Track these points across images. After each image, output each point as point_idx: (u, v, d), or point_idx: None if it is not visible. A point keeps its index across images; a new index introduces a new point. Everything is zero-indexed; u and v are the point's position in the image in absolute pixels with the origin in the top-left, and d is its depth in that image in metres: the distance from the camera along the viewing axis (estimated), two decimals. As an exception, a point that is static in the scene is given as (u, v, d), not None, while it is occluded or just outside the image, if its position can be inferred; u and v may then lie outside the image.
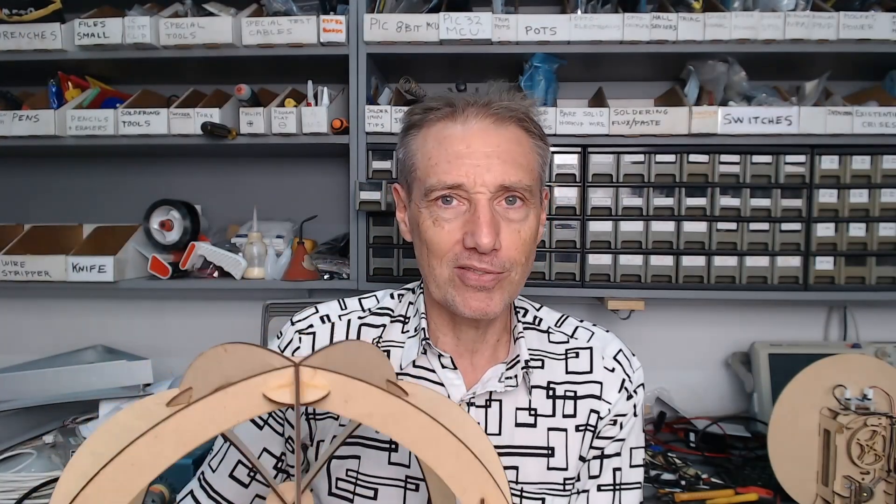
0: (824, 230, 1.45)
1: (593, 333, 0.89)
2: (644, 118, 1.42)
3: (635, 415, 0.86)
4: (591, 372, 0.85)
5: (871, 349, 1.60)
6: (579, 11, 1.45)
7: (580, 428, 0.83)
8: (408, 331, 0.85)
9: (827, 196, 1.45)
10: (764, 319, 1.74)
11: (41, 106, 1.57)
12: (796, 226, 1.45)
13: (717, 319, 1.76)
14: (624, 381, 0.86)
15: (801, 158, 1.44)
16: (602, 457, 0.84)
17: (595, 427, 0.84)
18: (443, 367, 0.82)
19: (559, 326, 0.89)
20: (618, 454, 0.85)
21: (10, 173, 1.82)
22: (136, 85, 1.66)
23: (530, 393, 0.83)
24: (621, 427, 0.85)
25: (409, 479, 0.80)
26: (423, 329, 0.83)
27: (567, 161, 1.46)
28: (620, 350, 0.88)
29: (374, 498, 0.80)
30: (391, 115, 1.44)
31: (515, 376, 0.82)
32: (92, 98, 1.57)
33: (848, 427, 1.15)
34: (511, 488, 0.79)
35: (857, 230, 1.45)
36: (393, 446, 0.80)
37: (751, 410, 1.62)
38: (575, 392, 0.84)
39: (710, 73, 1.48)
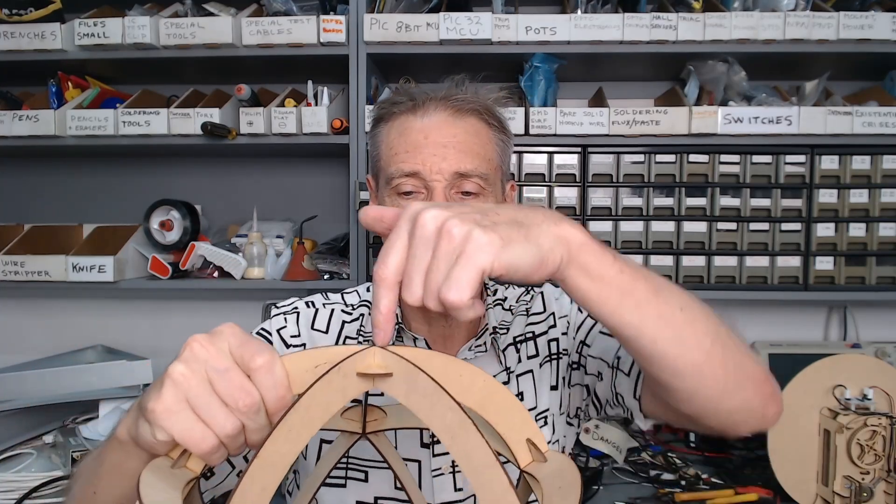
0: (824, 230, 1.45)
1: (544, 284, 0.94)
2: (644, 118, 1.42)
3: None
4: (544, 311, 0.90)
5: (871, 349, 1.60)
6: (579, 11, 1.45)
7: (544, 362, 0.87)
8: None
9: (827, 196, 1.45)
10: (764, 319, 1.74)
11: (41, 106, 1.57)
12: (796, 226, 1.45)
13: (717, 319, 1.75)
14: (569, 307, 0.90)
15: (801, 158, 1.44)
16: (583, 345, 0.85)
17: (558, 353, 0.87)
18: None
19: (519, 298, 0.94)
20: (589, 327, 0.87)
21: (10, 173, 1.82)
22: (136, 85, 1.66)
23: (503, 353, 0.86)
24: (570, 326, 0.88)
25: None
26: (396, 314, 0.85)
27: (567, 161, 1.46)
28: None
29: (366, 480, 0.81)
30: (372, 111, 1.44)
31: (484, 343, 0.85)
32: (92, 98, 1.57)
33: (848, 427, 1.15)
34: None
35: (857, 230, 1.45)
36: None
37: (751, 410, 1.61)
38: (533, 332, 0.88)
39: (710, 73, 1.48)
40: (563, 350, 0.87)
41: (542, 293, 0.93)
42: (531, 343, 0.88)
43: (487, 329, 0.86)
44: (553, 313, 0.90)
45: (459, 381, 0.43)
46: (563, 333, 0.88)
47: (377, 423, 0.58)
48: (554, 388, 0.86)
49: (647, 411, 0.74)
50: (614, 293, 0.51)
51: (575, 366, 0.86)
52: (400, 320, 0.85)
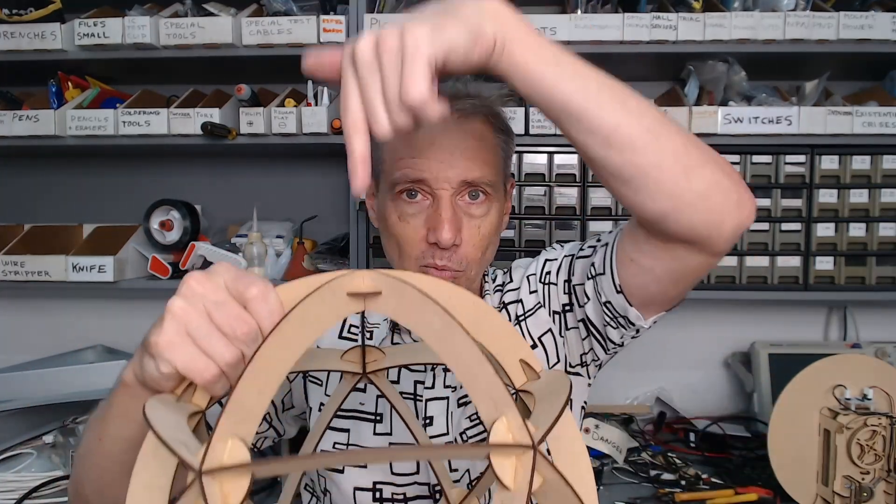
0: (824, 230, 1.45)
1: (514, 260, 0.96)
2: (644, 118, 1.42)
3: (550, 250, 0.90)
4: (512, 282, 0.90)
5: (871, 349, 1.60)
6: (579, 11, 1.45)
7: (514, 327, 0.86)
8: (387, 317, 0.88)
9: (827, 196, 1.45)
10: (764, 319, 1.74)
11: (41, 106, 1.57)
12: (796, 226, 1.45)
13: (717, 319, 1.75)
14: (536, 265, 0.89)
15: (801, 158, 1.44)
16: (571, 284, 0.84)
17: (524, 313, 0.86)
18: (414, 341, 0.86)
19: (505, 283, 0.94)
20: (548, 264, 0.87)
21: (10, 173, 1.82)
22: (136, 85, 1.66)
23: None
24: (549, 276, 0.86)
25: (392, 447, 0.82)
26: None
27: (567, 161, 1.46)
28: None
29: (364, 466, 0.82)
30: None
31: None
32: (92, 98, 1.57)
33: (848, 427, 1.15)
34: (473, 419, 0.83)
35: (857, 230, 1.45)
36: (378, 417, 0.83)
37: (751, 410, 1.62)
38: (504, 301, 0.89)
39: (710, 73, 1.47)
40: (530, 310, 0.87)
41: (510, 269, 0.93)
42: (503, 312, 0.88)
43: None
44: (516, 280, 0.90)
45: (448, 301, 0.44)
46: (532, 292, 0.87)
47: (376, 363, 0.60)
48: (532, 346, 0.86)
49: (634, 292, 0.72)
50: (552, 66, 0.55)
51: (568, 307, 0.84)
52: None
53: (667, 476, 1.35)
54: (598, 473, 1.36)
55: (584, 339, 0.84)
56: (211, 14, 1.49)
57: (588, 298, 0.79)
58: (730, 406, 1.76)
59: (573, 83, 0.56)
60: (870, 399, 1.18)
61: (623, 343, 0.81)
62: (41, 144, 1.51)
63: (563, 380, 0.44)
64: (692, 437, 1.53)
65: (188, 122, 1.47)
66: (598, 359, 0.86)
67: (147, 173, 1.79)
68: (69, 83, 1.59)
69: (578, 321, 0.83)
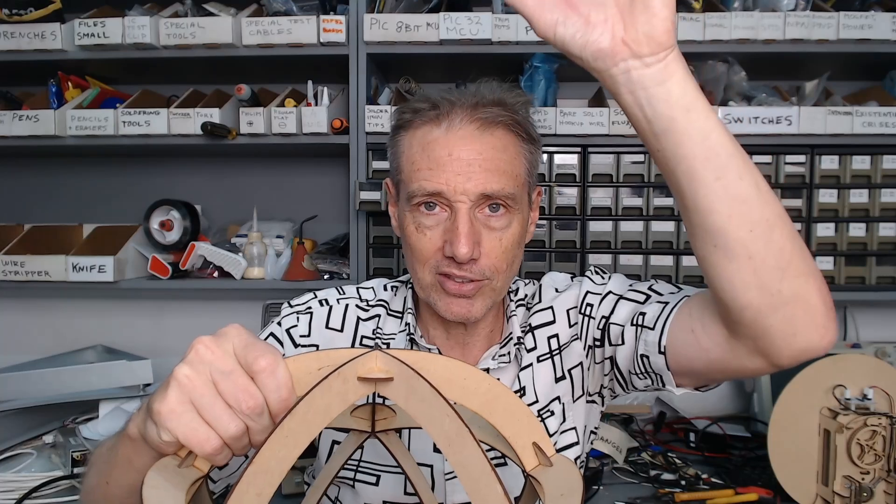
0: (824, 230, 1.45)
1: (545, 274, 0.93)
2: (644, 118, 1.42)
3: (592, 281, 0.86)
4: (540, 301, 0.88)
5: (871, 349, 1.60)
6: (579, 11, 1.45)
7: (543, 358, 0.85)
8: (403, 329, 0.87)
9: (827, 196, 1.45)
10: (764, 319, 1.73)
11: (41, 106, 1.57)
12: (796, 226, 1.44)
13: (717, 319, 1.75)
14: (577, 294, 0.86)
15: (801, 158, 1.44)
16: (607, 322, 0.82)
17: (559, 348, 0.85)
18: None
19: (533, 293, 0.92)
20: (602, 299, 0.84)
21: (10, 173, 1.82)
22: (136, 85, 1.66)
23: (521, 369, 0.85)
24: (590, 309, 0.84)
25: None
26: (409, 324, 0.85)
27: (567, 161, 1.46)
28: (572, 275, 0.91)
29: (376, 484, 0.81)
30: (391, 116, 1.44)
31: (508, 353, 0.84)
32: (92, 98, 1.57)
33: (848, 427, 1.15)
34: None
35: (857, 230, 1.45)
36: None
37: (751, 410, 1.61)
38: (530, 324, 0.86)
39: (710, 73, 1.48)
40: (565, 343, 0.85)
41: (539, 286, 0.90)
42: (529, 336, 0.86)
43: (511, 339, 0.84)
44: (552, 307, 0.87)
45: (463, 384, 0.43)
46: (571, 325, 0.86)
47: (386, 422, 0.58)
48: (561, 378, 0.85)
49: (677, 361, 0.70)
50: (707, 114, 0.56)
51: (598, 343, 0.82)
52: (412, 331, 0.84)
53: (667, 476, 1.35)
54: (598, 473, 1.36)
55: (605, 375, 0.84)
56: (211, 14, 1.49)
57: (623, 342, 0.77)
58: (730, 406, 1.76)
59: (723, 136, 0.56)
60: (870, 399, 1.18)
61: (646, 391, 0.80)
62: (41, 144, 1.51)
63: (576, 479, 0.43)
64: (692, 437, 1.53)
65: (188, 122, 1.47)
66: (616, 394, 0.86)
67: (147, 173, 1.79)
68: (69, 83, 1.59)
69: (605, 358, 0.82)
